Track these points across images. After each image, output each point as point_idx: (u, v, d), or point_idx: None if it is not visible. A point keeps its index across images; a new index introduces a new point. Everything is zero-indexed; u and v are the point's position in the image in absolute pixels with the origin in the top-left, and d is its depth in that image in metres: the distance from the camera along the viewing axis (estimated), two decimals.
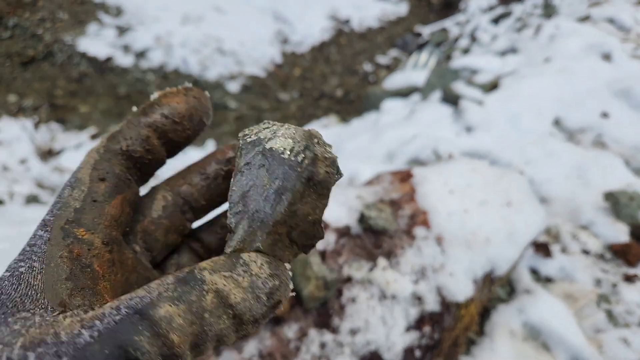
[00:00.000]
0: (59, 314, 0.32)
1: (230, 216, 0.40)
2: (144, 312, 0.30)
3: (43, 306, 0.33)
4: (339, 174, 0.41)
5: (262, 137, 0.41)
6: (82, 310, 0.32)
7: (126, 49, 6.05)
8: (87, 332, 0.28)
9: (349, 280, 1.46)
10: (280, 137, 0.41)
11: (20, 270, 0.35)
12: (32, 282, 0.34)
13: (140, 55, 6.05)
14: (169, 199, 0.50)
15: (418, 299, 1.46)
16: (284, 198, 0.38)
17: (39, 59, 5.64)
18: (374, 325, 1.38)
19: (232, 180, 0.42)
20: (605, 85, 3.39)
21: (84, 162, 0.43)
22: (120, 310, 0.30)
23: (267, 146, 0.40)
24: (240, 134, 0.44)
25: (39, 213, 3.02)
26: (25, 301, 0.33)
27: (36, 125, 4.71)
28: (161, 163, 0.48)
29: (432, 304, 1.47)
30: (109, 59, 5.88)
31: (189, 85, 0.49)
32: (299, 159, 0.39)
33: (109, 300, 0.36)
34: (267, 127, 0.43)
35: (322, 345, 1.34)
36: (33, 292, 0.33)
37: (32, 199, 3.28)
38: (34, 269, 0.35)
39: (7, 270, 0.35)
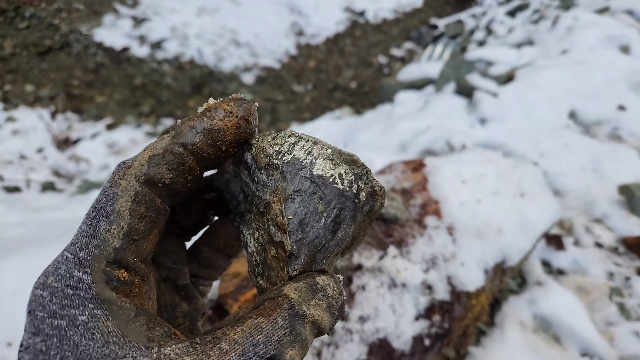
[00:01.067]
0: (157, 349, 0.32)
1: (291, 243, 0.41)
2: (277, 358, 0.34)
3: (135, 347, 0.32)
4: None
5: (299, 157, 0.43)
6: (198, 347, 0.34)
7: (142, 39, 6.10)
8: None
9: (359, 268, 1.47)
10: (321, 160, 0.42)
11: (81, 319, 0.33)
12: (106, 329, 0.32)
13: (156, 45, 6.09)
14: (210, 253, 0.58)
15: (428, 287, 1.47)
16: (343, 227, 0.42)
17: (55, 49, 5.71)
18: (384, 313, 1.39)
19: (283, 206, 0.42)
20: (622, 77, 3.33)
21: (122, 190, 0.39)
22: (249, 355, 0.33)
23: (315, 173, 0.42)
24: (269, 148, 0.44)
25: (54, 200, 3.08)
26: (114, 348, 0.32)
27: (53, 115, 4.78)
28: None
29: (442, 293, 1.48)
30: (125, 50, 5.94)
31: (240, 95, 0.46)
32: (354, 190, 0.42)
33: (171, 326, 0.38)
34: (296, 142, 0.44)
35: (332, 333, 1.35)
36: (115, 339, 0.32)
37: (48, 187, 3.34)
38: (98, 318, 0.33)
39: (53, 317, 0.33)
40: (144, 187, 0.40)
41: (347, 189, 0.42)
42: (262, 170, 0.45)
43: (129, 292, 0.37)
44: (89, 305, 0.33)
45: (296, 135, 0.44)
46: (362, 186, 0.42)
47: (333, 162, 0.42)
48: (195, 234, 0.57)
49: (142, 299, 0.38)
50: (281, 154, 0.43)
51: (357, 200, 0.42)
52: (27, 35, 5.68)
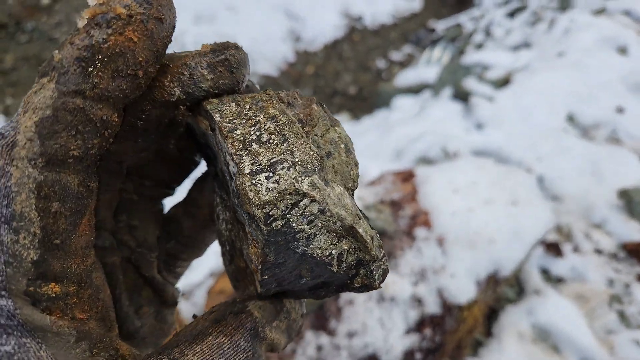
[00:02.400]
0: None
1: (261, 289, 0.37)
2: None
3: None
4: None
5: (294, 228, 0.32)
6: None
7: None
8: None
9: None
10: (322, 236, 0.33)
11: (4, 349, 0.28)
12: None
13: None
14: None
15: (418, 301, 1.44)
16: (327, 291, 0.38)
17: None
18: (372, 328, 1.36)
19: (260, 265, 0.34)
20: (620, 79, 3.30)
21: (16, 182, 0.28)
22: None
23: (309, 252, 0.33)
24: (252, 196, 0.32)
25: None
26: None
27: None
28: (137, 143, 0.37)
29: (432, 306, 1.45)
30: None
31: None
32: (350, 274, 0.35)
33: (122, 346, 0.34)
34: (297, 202, 0.32)
35: (319, 348, 1.32)
36: None
37: None
38: (26, 345, 0.28)
39: None
40: (47, 173, 0.28)
41: (342, 273, 0.34)
42: (236, 201, 0.34)
43: (65, 307, 0.30)
44: (15, 333, 0.28)
45: (300, 192, 0.32)
46: (362, 274, 0.35)
47: (337, 236, 0.34)
48: (179, 183, 0.45)
49: (86, 305, 0.32)
50: (271, 218, 0.32)
51: (349, 282, 0.35)
52: (28, 48, 5.72)
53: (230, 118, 0.35)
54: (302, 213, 0.32)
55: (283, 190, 0.32)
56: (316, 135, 0.37)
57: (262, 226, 0.32)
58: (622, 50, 3.64)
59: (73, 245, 0.30)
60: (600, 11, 4.34)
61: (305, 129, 0.36)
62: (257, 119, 0.35)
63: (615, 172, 2.61)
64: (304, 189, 0.32)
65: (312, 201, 0.32)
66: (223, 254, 0.45)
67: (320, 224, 0.33)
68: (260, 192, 0.31)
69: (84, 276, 0.32)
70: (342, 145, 0.39)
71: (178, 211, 0.47)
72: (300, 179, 0.32)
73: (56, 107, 0.28)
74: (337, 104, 6.39)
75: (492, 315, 2.00)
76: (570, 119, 3.08)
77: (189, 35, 6.30)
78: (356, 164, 0.39)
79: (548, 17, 4.76)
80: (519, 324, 1.98)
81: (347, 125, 4.91)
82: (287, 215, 0.32)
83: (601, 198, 2.49)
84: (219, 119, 0.34)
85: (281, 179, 0.32)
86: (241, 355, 0.32)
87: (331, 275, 0.34)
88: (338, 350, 1.34)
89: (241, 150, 0.33)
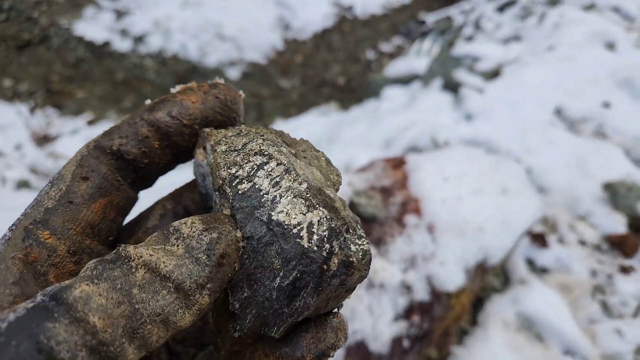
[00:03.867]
0: None
1: (234, 301, 0.32)
2: (58, 296, 0.25)
3: None
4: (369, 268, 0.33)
5: (260, 189, 0.31)
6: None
7: (124, 33, 5.98)
8: None
9: None
10: (288, 199, 0.31)
11: None
12: None
13: (139, 40, 5.98)
14: (167, 208, 0.44)
15: (407, 288, 1.43)
16: (303, 295, 0.31)
17: (34, 43, 5.58)
18: (361, 315, 1.35)
19: None
20: (608, 74, 3.33)
21: (72, 157, 0.37)
22: (35, 298, 0.25)
23: (274, 218, 0.31)
24: (223, 167, 0.33)
25: (28, 199, 3.00)
26: None
27: (32, 111, 4.67)
28: (164, 169, 0.41)
29: (421, 293, 1.45)
30: (106, 44, 5.82)
31: (219, 80, 0.41)
32: (324, 253, 0.30)
33: None
34: (263, 163, 0.32)
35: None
36: None
37: (22, 184, 3.26)
38: None
39: None
40: (91, 152, 0.37)
41: (315, 248, 0.30)
42: (216, 193, 0.34)
43: (45, 259, 0.33)
44: None
45: (265, 153, 0.33)
46: (336, 250, 0.30)
47: (306, 203, 0.31)
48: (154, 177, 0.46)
49: (60, 276, 0.34)
50: (237, 180, 0.32)
51: (325, 267, 0.30)
52: (5, 28, 5.55)
53: (221, 137, 0.38)
54: (267, 175, 0.32)
55: (248, 151, 0.33)
56: (298, 150, 0.37)
57: (228, 189, 0.32)
58: (610, 46, 3.67)
59: (81, 214, 0.36)
60: (590, 7, 4.37)
61: (289, 148, 0.37)
62: (246, 139, 0.37)
63: (601, 165, 2.64)
64: (269, 151, 0.33)
65: (278, 164, 0.32)
66: None
67: (286, 185, 0.31)
68: (228, 158, 0.34)
69: (76, 248, 0.35)
70: (323, 159, 0.38)
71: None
72: (267, 145, 0.34)
73: (125, 120, 0.38)
74: (326, 94, 6.35)
75: (477, 304, 2.01)
76: (558, 112, 3.10)
77: (175, 20, 6.19)
78: (338, 175, 0.37)
79: (538, 12, 4.78)
80: (504, 313, 1.99)
81: (336, 115, 4.88)
82: (253, 179, 0.32)
83: (586, 191, 2.51)
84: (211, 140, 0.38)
85: (249, 147, 0.34)
86: (83, 271, 0.27)
87: (302, 259, 0.30)
88: None
89: (224, 153, 0.35)
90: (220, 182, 0.33)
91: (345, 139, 3.35)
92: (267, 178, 0.32)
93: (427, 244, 1.51)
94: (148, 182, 0.42)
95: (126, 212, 0.41)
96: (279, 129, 0.40)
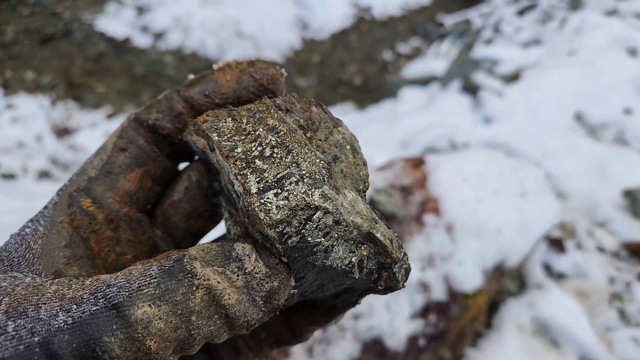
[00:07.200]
0: (50, 280, 0.30)
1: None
2: (120, 309, 0.26)
3: (37, 272, 0.32)
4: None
5: (310, 241, 0.31)
6: (72, 280, 0.29)
7: (144, 29, 6.05)
8: (63, 316, 0.26)
9: None
10: (340, 247, 0.32)
11: (26, 230, 0.34)
12: (32, 245, 0.33)
13: (159, 36, 6.05)
14: (192, 180, 0.43)
15: (424, 286, 1.43)
16: (347, 298, 0.37)
17: (57, 37, 5.67)
18: (378, 311, 1.35)
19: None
20: (629, 80, 3.28)
21: (115, 129, 0.39)
22: (98, 300, 0.27)
23: (328, 264, 0.32)
24: (263, 218, 0.30)
25: (49, 188, 3.05)
26: (21, 263, 0.32)
27: (53, 103, 4.75)
28: None
29: (438, 293, 1.44)
30: (126, 40, 5.90)
31: (260, 58, 0.40)
32: (372, 279, 0.34)
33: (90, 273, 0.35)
34: (310, 215, 0.31)
35: (324, 329, 1.32)
36: (31, 255, 0.33)
37: (44, 175, 3.31)
38: (38, 232, 0.34)
39: (19, 229, 0.35)
40: (131, 124, 0.39)
41: (364, 278, 0.33)
42: (247, 220, 0.33)
43: (87, 225, 0.36)
44: (41, 221, 0.35)
45: (312, 206, 0.31)
46: (384, 276, 0.34)
47: (355, 244, 0.32)
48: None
49: (100, 241, 0.36)
50: (286, 236, 0.30)
51: (372, 285, 0.35)
52: (30, 22, 5.65)
53: (229, 136, 0.34)
54: (316, 226, 0.31)
55: (294, 206, 0.30)
56: (320, 140, 0.35)
57: (277, 245, 0.31)
58: (632, 52, 3.62)
59: (119, 183, 0.38)
60: (612, 12, 4.31)
61: (308, 135, 0.35)
62: (257, 133, 0.34)
63: (621, 172, 2.61)
64: (315, 202, 0.31)
65: (325, 213, 0.31)
66: None
67: (336, 235, 0.31)
68: (270, 211, 0.30)
69: (114, 216, 0.37)
70: (348, 147, 0.37)
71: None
72: (310, 192, 0.31)
73: (165, 95, 0.39)
74: (342, 93, 6.35)
75: (492, 307, 2.00)
76: (578, 117, 3.07)
77: (195, 18, 6.24)
78: (364, 163, 0.37)
79: (559, 16, 4.73)
80: (520, 317, 1.98)
81: (353, 115, 4.88)
82: (302, 231, 0.31)
83: (606, 197, 2.48)
84: (217, 138, 0.34)
85: (290, 195, 0.31)
86: (142, 280, 0.27)
87: (354, 281, 0.34)
88: (343, 332, 1.34)
89: (245, 169, 0.32)
90: (264, 236, 0.31)
91: (363, 139, 3.35)
92: (316, 229, 0.31)
93: (445, 243, 1.51)
94: (187, 156, 0.43)
95: (164, 182, 0.42)
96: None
